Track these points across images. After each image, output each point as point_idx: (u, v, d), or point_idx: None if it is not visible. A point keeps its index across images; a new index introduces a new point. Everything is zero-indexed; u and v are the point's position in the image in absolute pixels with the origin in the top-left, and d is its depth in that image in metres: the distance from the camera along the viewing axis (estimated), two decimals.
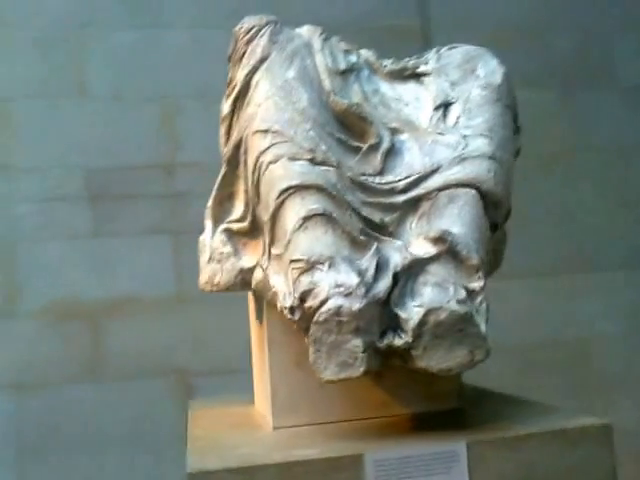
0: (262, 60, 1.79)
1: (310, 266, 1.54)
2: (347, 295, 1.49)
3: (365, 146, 1.73)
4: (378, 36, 3.58)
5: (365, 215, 1.64)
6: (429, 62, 1.91)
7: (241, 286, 1.81)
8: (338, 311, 1.48)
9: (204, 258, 1.87)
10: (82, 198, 3.34)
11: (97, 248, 3.33)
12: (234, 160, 1.82)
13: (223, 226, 1.85)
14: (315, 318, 1.49)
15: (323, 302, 1.49)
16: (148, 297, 3.32)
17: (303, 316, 1.53)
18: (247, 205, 1.80)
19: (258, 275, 1.75)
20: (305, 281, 1.53)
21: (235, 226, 1.84)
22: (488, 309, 1.54)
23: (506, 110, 1.80)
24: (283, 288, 1.61)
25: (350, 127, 1.76)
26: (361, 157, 1.72)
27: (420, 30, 3.76)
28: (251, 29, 1.83)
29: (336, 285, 1.50)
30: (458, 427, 1.65)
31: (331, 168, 1.65)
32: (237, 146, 1.80)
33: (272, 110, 1.72)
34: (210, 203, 1.88)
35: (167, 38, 3.49)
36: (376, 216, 1.65)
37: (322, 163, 1.65)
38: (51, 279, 3.26)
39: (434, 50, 1.95)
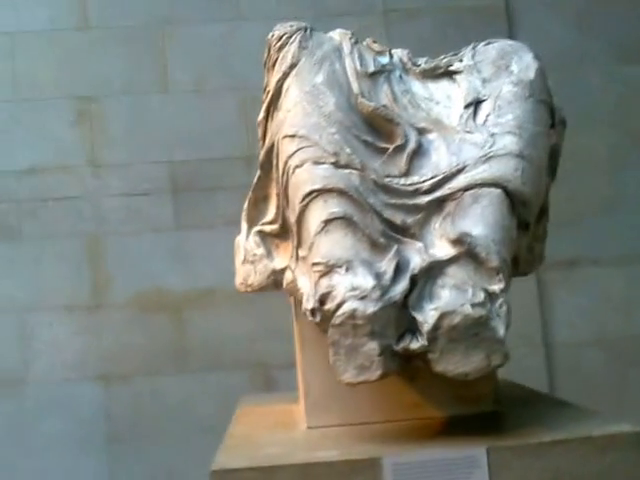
0: (292, 66, 1.81)
1: (329, 269, 1.55)
2: (362, 298, 1.49)
3: (391, 147, 1.72)
4: (461, 17, 3.54)
5: (387, 217, 1.64)
6: (463, 59, 1.87)
7: (273, 287, 1.85)
8: (353, 314, 1.49)
9: (239, 259, 1.91)
10: (165, 191, 3.45)
11: (180, 241, 3.44)
12: (267, 164, 1.85)
13: (257, 228, 1.89)
14: (332, 321, 1.51)
15: (339, 305, 1.50)
16: (229, 289, 3.33)
17: (323, 318, 1.55)
18: (278, 208, 1.83)
19: (288, 276, 1.78)
20: (324, 284, 1.55)
21: (268, 228, 1.87)
22: (509, 312, 1.51)
23: (539, 106, 1.74)
24: (307, 290, 1.63)
25: (378, 129, 1.75)
26: (387, 159, 1.71)
27: (504, 10, 3.67)
28: (282, 36, 1.85)
29: (352, 288, 1.51)
30: (485, 432, 1.62)
31: (355, 171, 1.66)
32: (269, 151, 1.83)
33: (300, 115, 1.74)
34: (245, 205, 1.92)
35: (245, 30, 3.53)
36: (398, 218, 1.64)
37: (346, 166, 1.66)
38: (136, 272, 3.39)
39: (470, 46, 1.91)
